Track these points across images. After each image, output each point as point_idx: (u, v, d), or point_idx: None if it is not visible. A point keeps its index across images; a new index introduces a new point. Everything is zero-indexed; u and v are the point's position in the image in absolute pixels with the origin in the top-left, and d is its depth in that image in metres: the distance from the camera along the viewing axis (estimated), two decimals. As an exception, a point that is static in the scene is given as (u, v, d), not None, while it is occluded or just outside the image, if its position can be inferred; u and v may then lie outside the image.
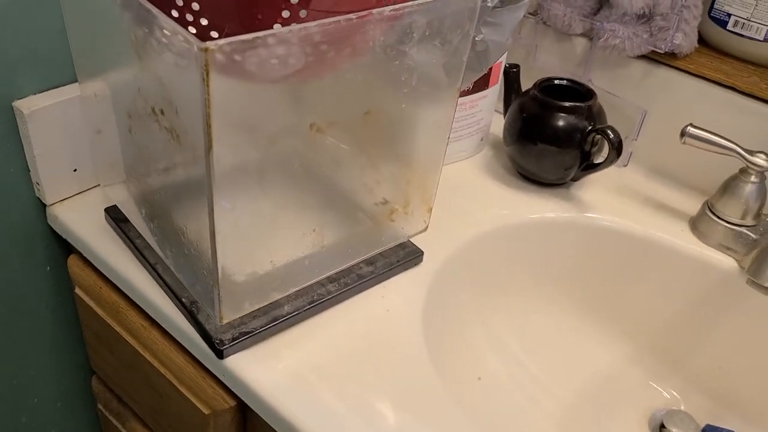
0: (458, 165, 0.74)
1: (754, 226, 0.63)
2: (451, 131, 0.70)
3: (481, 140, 0.75)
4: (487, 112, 0.73)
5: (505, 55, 0.71)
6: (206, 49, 0.34)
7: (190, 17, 0.40)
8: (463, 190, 0.70)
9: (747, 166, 0.62)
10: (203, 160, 0.39)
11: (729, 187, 0.64)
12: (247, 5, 0.39)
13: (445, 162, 0.72)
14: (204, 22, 0.41)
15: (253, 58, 0.37)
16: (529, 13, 0.77)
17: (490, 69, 0.69)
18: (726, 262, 0.64)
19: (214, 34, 0.42)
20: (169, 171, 0.45)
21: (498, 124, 0.74)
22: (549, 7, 0.75)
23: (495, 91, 0.72)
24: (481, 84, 0.70)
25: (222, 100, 0.36)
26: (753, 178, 0.62)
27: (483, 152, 0.76)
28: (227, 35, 0.36)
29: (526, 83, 0.71)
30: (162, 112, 0.41)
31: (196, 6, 0.40)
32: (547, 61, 0.78)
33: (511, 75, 0.72)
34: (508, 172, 0.73)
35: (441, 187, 0.68)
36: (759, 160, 0.61)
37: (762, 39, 0.67)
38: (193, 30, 0.41)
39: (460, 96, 0.69)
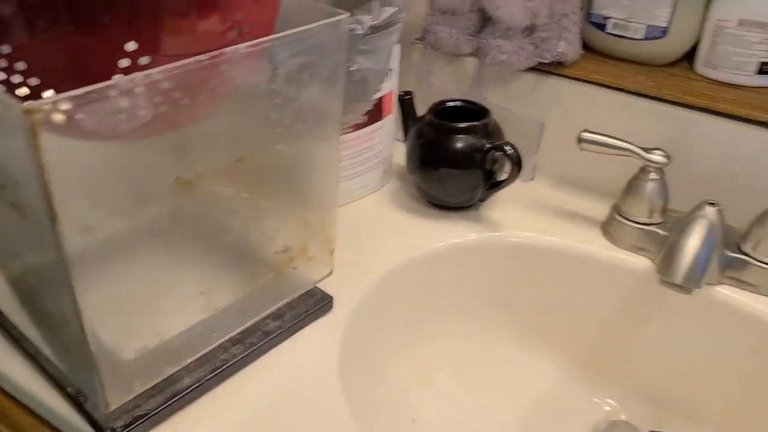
0: (364, 201, 0.71)
1: (662, 223, 0.62)
2: (350, 167, 0.68)
3: (385, 172, 0.73)
4: (386, 143, 0.71)
5: (397, 84, 0.69)
6: (29, 111, 0.30)
7: (17, 78, 0.36)
8: (370, 226, 0.67)
9: (646, 164, 0.62)
10: (52, 234, 0.34)
11: (632, 187, 0.63)
12: (76, 58, 0.36)
13: (350, 199, 0.70)
14: (34, 82, 0.37)
15: (94, 115, 0.33)
16: (416, 39, 0.76)
17: (381, 99, 0.67)
18: (641, 263, 0.63)
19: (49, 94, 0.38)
20: (27, 252, 0.40)
21: (402, 153, 0.72)
22: (434, 30, 0.74)
23: (391, 121, 0.70)
24: (375, 115, 0.68)
25: (63, 163, 0.32)
26: (653, 176, 0.62)
27: (389, 184, 0.74)
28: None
29: (422, 109, 0.70)
30: (4, 187, 0.37)
31: (21, 65, 0.36)
32: (441, 85, 0.77)
33: (406, 102, 0.70)
34: (416, 201, 0.71)
35: (347, 226, 0.65)
36: (656, 156, 0.61)
37: (642, 38, 0.67)
38: (25, 91, 0.37)
39: (355, 130, 0.66)
